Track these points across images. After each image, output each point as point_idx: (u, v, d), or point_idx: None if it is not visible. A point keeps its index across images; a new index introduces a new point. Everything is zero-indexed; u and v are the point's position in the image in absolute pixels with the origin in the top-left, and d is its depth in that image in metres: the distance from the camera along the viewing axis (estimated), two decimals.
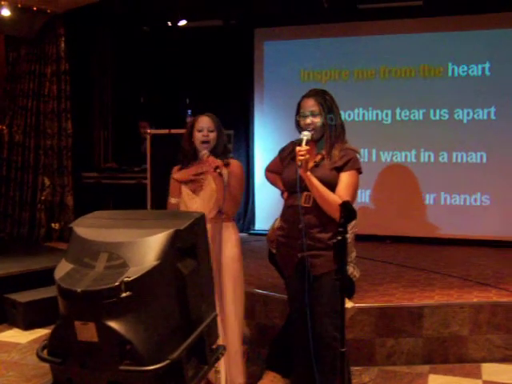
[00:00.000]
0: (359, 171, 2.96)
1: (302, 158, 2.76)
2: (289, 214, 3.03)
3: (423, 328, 4.02)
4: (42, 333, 4.66)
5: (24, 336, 4.63)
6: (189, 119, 6.30)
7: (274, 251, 3.30)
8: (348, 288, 3.20)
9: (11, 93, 7.09)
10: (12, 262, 5.49)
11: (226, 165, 3.21)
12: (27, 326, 4.76)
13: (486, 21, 6.34)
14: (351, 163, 2.93)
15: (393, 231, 6.65)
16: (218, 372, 3.19)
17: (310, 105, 2.96)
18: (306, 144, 2.82)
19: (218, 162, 3.15)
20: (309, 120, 2.94)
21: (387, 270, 5.17)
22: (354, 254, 3.57)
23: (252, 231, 7.29)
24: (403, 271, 5.15)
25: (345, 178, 2.91)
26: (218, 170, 3.11)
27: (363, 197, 6.71)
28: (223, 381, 3.23)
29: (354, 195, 2.96)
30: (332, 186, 2.89)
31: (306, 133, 2.88)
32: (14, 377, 3.84)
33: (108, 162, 7.50)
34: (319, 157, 2.96)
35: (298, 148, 2.79)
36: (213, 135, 3.24)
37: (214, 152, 3.22)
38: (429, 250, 6.14)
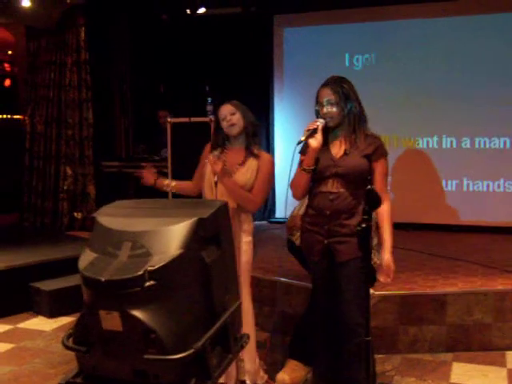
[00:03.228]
0: (386, 157, 3.00)
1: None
2: (317, 200, 3.02)
3: (446, 316, 3.99)
4: (66, 321, 4.72)
5: (49, 324, 4.70)
6: (208, 107, 6.29)
7: (294, 239, 3.31)
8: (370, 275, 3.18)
9: (32, 83, 7.15)
10: (36, 251, 5.57)
11: (256, 156, 3.19)
12: (52, 314, 4.82)
13: None
14: (380, 150, 2.96)
15: (414, 218, 6.57)
16: (241, 361, 3.21)
17: (327, 94, 2.94)
18: (314, 133, 2.87)
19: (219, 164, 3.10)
20: (325, 109, 2.94)
21: (409, 258, 5.12)
22: (375, 241, 3.54)
23: (272, 219, 7.28)
24: (425, 258, 5.10)
25: (378, 169, 2.95)
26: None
27: None
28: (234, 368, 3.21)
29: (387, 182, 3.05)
30: (364, 173, 2.86)
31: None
32: (39, 364, 3.90)
33: (131, 150, 7.54)
34: (348, 145, 2.95)
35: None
36: (236, 117, 3.21)
37: (246, 131, 3.21)
38: (451, 237, 6.08)
